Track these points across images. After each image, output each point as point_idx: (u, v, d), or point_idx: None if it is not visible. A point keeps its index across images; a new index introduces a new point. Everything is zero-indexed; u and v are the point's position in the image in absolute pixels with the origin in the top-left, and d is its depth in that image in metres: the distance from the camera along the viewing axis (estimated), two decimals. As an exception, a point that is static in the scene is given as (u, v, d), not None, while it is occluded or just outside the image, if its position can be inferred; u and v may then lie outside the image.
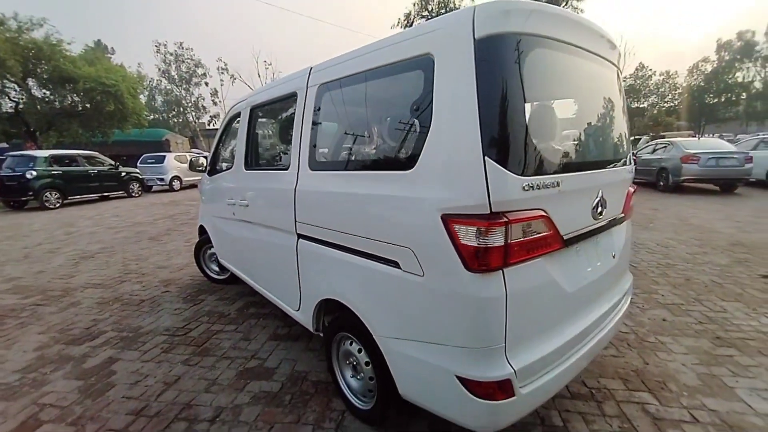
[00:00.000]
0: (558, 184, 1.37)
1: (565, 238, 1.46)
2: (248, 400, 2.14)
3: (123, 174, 12.57)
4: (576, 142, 1.70)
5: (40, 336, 2.99)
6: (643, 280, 3.81)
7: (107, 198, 12.60)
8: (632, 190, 2.08)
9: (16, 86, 18.57)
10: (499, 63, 1.26)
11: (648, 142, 14.98)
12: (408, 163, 1.44)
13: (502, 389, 1.30)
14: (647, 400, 2.06)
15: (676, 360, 2.42)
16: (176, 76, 41.38)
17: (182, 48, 41.07)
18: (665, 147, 10.82)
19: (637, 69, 40.68)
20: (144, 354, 2.68)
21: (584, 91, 1.75)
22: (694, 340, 2.65)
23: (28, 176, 10.02)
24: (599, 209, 1.65)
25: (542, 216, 1.34)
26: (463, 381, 1.33)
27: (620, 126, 1.95)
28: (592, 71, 1.70)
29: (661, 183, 10.41)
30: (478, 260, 1.24)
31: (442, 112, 1.32)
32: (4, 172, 10.37)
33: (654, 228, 6.02)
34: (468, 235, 1.24)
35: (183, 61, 41.19)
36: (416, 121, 1.44)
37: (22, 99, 18.97)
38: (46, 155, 10.64)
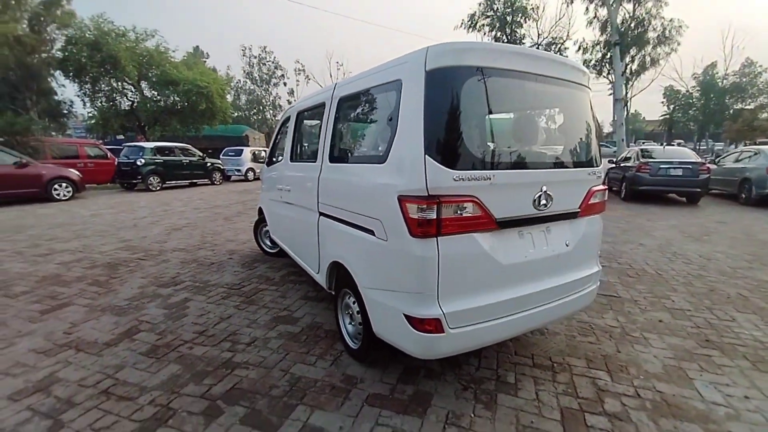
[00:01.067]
0: (489, 178, 1.79)
1: (498, 220, 1.87)
2: (275, 336, 2.82)
3: (208, 164, 14.56)
4: (513, 146, 2.08)
5: (141, 280, 4.03)
6: (660, 286, 3.84)
7: (195, 184, 14.69)
8: (600, 189, 2.36)
9: (132, 88, 22.15)
10: (440, 88, 1.74)
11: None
12: (382, 158, 1.97)
13: (433, 326, 1.78)
14: (601, 377, 2.33)
15: (650, 352, 2.61)
16: (258, 77, 45.45)
17: (265, 51, 45.09)
18: (751, 156, 9.72)
19: (743, 65, 35.40)
20: (209, 298, 3.53)
21: (527, 105, 2.11)
22: (680, 340, 2.77)
23: (138, 163, 12.19)
24: (542, 202, 2.01)
25: (473, 201, 1.78)
26: (408, 318, 1.82)
27: (575, 134, 2.25)
28: (536, 89, 2.06)
29: (743, 195, 9.41)
30: (418, 229, 1.74)
31: (404, 122, 1.82)
32: (121, 159, 12.72)
33: (707, 241, 5.69)
34: (413, 211, 1.74)
35: (264, 63, 45.16)
36: (389, 128, 1.96)
37: (136, 99, 22.54)
38: (152, 146, 12.82)
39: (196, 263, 4.62)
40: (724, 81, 34.99)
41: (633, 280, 4.04)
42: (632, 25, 15.22)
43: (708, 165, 9.34)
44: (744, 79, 35.53)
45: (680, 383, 2.27)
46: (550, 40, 16.28)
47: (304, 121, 3.46)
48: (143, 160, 12.24)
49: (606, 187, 2.44)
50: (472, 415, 1.99)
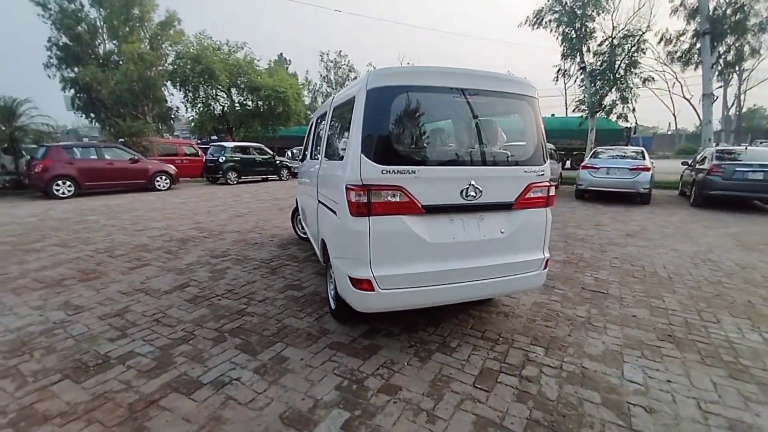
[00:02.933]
0: (414, 172, 2.26)
1: (425, 206, 2.32)
2: (282, 298, 3.55)
3: (277, 162, 16.29)
4: (440, 147, 2.49)
5: (200, 252, 5.11)
6: (660, 288, 3.80)
7: (266, 179, 16.55)
8: (541, 185, 2.63)
9: (224, 94, 25.36)
10: (376, 102, 2.25)
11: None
12: (342, 156, 2.54)
13: (366, 285, 2.30)
14: (536, 352, 2.62)
15: (600, 338, 2.79)
16: (333, 80, 48.24)
17: (340, 56, 47.74)
18: None
19: None
20: (244, 268, 4.41)
21: (456, 114, 2.49)
22: (640, 333, 2.88)
23: (220, 160, 14.21)
24: (470, 193, 2.40)
25: (399, 189, 2.26)
26: (350, 279, 2.37)
27: (511, 136, 2.57)
28: (465, 101, 2.43)
29: None
30: (356, 209, 2.28)
31: (353, 129, 2.36)
32: (208, 156, 14.92)
33: (762, 250, 5.18)
34: (352, 196, 2.28)
35: (339, 67, 47.82)
36: (348, 134, 2.51)
37: (227, 104, 25.75)
38: (232, 146, 14.82)
39: (244, 242, 5.62)
40: None
41: (635, 281, 4.02)
42: (728, 11, 13.41)
43: None
44: None
45: (609, 364, 2.47)
46: (626, 32, 14.97)
47: (316, 128, 4.16)
48: (224, 158, 14.23)
49: (549, 184, 2.70)
50: (405, 364, 2.47)
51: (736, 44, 14.28)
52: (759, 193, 8.26)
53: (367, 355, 2.56)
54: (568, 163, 21.52)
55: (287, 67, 43.31)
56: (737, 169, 8.26)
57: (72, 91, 27.88)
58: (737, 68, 15.22)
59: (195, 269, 4.36)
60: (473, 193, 2.42)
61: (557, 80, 17.05)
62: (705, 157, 9.68)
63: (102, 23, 27.32)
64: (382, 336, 2.83)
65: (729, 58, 14.69)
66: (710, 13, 13.31)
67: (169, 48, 27.00)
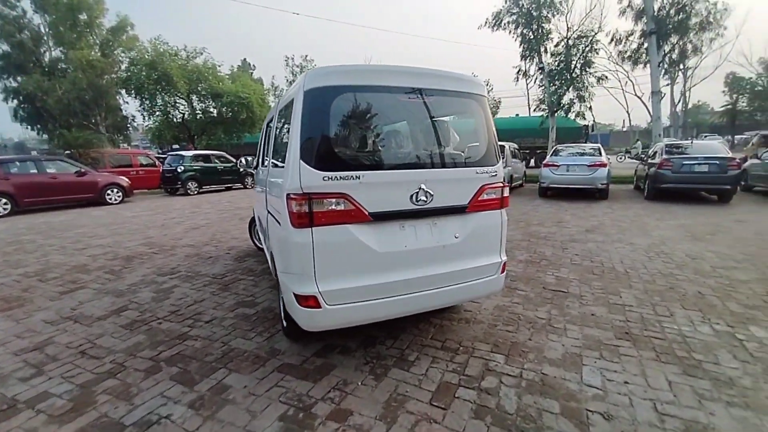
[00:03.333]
0: (359, 178, 2.10)
1: (372, 213, 2.17)
2: (232, 316, 3.29)
3: (241, 170, 15.71)
4: (387, 150, 2.36)
5: (147, 270, 4.72)
6: (617, 283, 3.83)
7: (231, 188, 15.93)
8: (494, 186, 2.55)
9: (183, 102, 24.33)
10: (314, 104, 2.09)
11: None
12: (283, 164, 2.34)
13: (312, 302, 2.12)
14: (496, 360, 2.52)
15: (560, 341, 2.73)
16: (299, 86, 47.46)
17: (306, 60, 47.14)
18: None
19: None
20: (193, 285, 4.10)
21: (402, 114, 2.37)
22: (599, 332, 2.85)
23: (179, 170, 13.53)
24: (420, 198, 2.27)
25: (344, 197, 2.10)
26: (295, 295, 2.18)
27: (462, 137, 2.48)
28: (412, 100, 2.32)
29: (785, 193, 8.58)
30: (297, 220, 2.09)
31: (292, 133, 2.18)
32: (165, 166, 14.18)
33: (708, 240, 5.40)
34: (293, 206, 2.09)
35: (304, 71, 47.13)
36: (288, 138, 2.32)
37: (187, 111, 24.71)
38: (191, 154, 14.16)
39: (198, 257, 5.27)
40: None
41: (594, 277, 4.05)
42: (671, 12, 14.26)
43: (738, 161, 8.63)
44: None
45: (569, 368, 2.41)
46: (580, 33, 15.62)
47: (266, 133, 3.93)
48: (183, 167, 13.56)
49: (503, 184, 2.62)
50: (359, 384, 2.29)
51: (680, 43, 15.21)
52: (705, 185, 8.73)
53: (318, 377, 2.37)
54: (532, 162, 22.16)
55: (252, 73, 42.30)
56: (685, 162, 8.70)
57: (15, 101, 25.93)
58: (682, 66, 16.24)
59: (137, 290, 4.00)
60: (424, 198, 2.29)
61: (517, 81, 17.54)
62: (656, 152, 10.16)
63: (47, 30, 25.63)
64: (337, 353, 2.65)
65: (674, 56, 15.62)
66: (655, 13, 14.10)
67: (123, 54, 25.64)
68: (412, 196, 2.26)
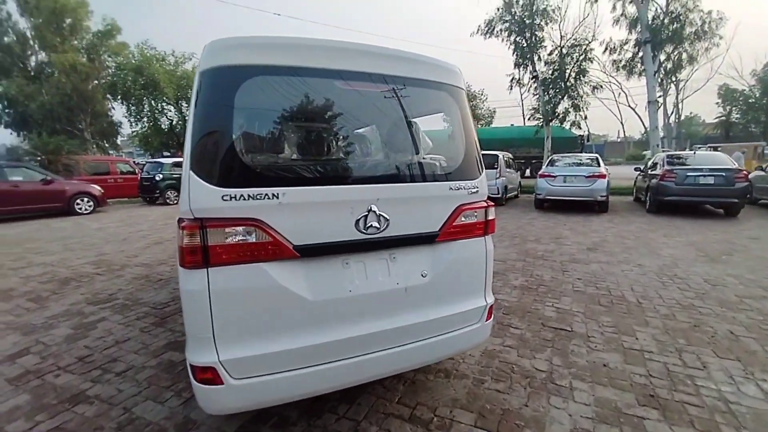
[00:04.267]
0: (277, 196, 1.47)
1: (299, 247, 1.53)
2: (153, 364, 2.61)
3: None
4: (321, 158, 1.72)
5: (78, 296, 4.02)
6: (631, 318, 3.20)
7: (214, 197, 15.22)
8: (475, 206, 1.92)
9: (172, 107, 23.71)
10: (213, 92, 1.46)
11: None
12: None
13: (209, 376, 1.46)
14: (482, 440, 1.87)
15: (565, 410, 2.09)
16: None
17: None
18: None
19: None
20: (124, 318, 3.41)
21: (343, 110, 1.74)
22: (615, 393, 2.21)
23: (157, 178, 12.83)
24: (371, 224, 1.64)
25: (255, 224, 1.46)
26: (190, 366, 1.52)
27: (431, 141, 1.85)
28: (363, 90, 1.70)
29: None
30: (187, 258, 1.45)
31: (186, 135, 1.54)
32: (143, 174, 13.48)
33: (724, 262, 4.81)
34: (182, 237, 1.45)
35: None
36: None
37: (176, 117, 24.05)
38: (171, 162, 13.46)
39: (146, 279, 4.58)
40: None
41: (602, 309, 3.42)
42: (665, 21, 13.94)
43: (745, 172, 8.13)
44: None
45: (580, 456, 1.76)
46: (573, 41, 15.27)
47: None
48: (161, 176, 12.86)
49: (486, 204, 1.99)
50: (288, 484, 1.63)
51: (675, 53, 14.87)
52: (711, 198, 8.20)
53: (234, 470, 1.70)
54: (528, 172, 21.71)
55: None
56: (689, 174, 8.18)
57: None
58: (675, 77, 15.87)
59: (54, 325, 3.31)
60: (376, 224, 1.65)
61: (511, 89, 17.11)
62: (656, 163, 9.65)
63: (32, 33, 25.00)
64: (269, 427, 1.98)
65: (669, 66, 15.28)
66: (650, 22, 13.76)
67: (110, 59, 25.01)
68: (359, 221, 1.63)
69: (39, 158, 12.50)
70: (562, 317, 3.27)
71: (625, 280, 4.19)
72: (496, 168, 10.35)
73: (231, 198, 1.42)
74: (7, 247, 6.57)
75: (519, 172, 14.42)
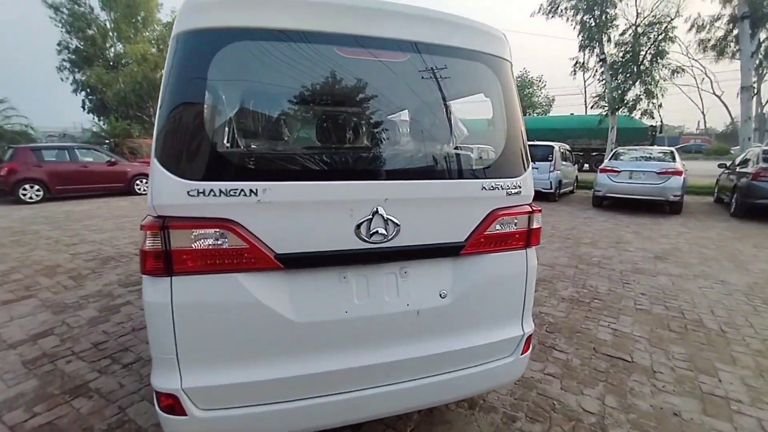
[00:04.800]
0: (255, 193, 1.17)
1: (283, 256, 1.23)
2: (160, 359, 2.51)
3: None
4: (318, 145, 1.37)
5: (114, 276, 4.13)
6: (711, 352, 2.59)
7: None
8: (516, 212, 1.50)
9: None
10: (184, 61, 1.18)
11: None
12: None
13: (171, 404, 1.23)
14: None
15: (620, 472, 1.64)
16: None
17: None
18: None
19: None
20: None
21: (344, 85, 1.37)
22: (691, 458, 1.71)
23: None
24: (374, 230, 1.29)
25: (228, 226, 1.19)
26: (154, 390, 1.30)
27: (460, 127, 1.44)
28: (368, 61, 1.32)
29: None
30: (145, 263, 1.21)
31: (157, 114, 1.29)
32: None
33: (840, 285, 3.87)
34: (144, 240, 1.22)
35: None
36: None
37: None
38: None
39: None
40: None
41: (672, 336, 2.82)
42: (771, -10, 11.81)
43: None
44: None
45: None
46: (653, 18, 13.47)
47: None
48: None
49: (531, 209, 1.55)
50: None
51: (780, 30, 12.62)
52: None
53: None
54: (585, 166, 19.99)
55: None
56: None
57: (83, 93, 27.88)
58: (772, 61, 13.52)
59: (84, 305, 3.38)
60: (382, 230, 1.31)
61: (575, 74, 15.63)
62: (748, 159, 8.23)
63: (112, 25, 27.22)
64: (259, 450, 1.75)
65: (770, 45, 13.05)
66: (751, -6, 11.73)
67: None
68: (360, 226, 1.29)
69: (107, 141, 13.56)
70: (620, 342, 2.73)
71: (704, 300, 3.48)
72: (551, 160, 9.47)
73: (198, 193, 1.16)
74: (70, 224, 7.10)
75: (576, 166, 13.20)
